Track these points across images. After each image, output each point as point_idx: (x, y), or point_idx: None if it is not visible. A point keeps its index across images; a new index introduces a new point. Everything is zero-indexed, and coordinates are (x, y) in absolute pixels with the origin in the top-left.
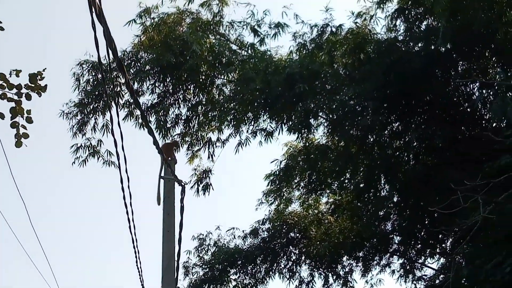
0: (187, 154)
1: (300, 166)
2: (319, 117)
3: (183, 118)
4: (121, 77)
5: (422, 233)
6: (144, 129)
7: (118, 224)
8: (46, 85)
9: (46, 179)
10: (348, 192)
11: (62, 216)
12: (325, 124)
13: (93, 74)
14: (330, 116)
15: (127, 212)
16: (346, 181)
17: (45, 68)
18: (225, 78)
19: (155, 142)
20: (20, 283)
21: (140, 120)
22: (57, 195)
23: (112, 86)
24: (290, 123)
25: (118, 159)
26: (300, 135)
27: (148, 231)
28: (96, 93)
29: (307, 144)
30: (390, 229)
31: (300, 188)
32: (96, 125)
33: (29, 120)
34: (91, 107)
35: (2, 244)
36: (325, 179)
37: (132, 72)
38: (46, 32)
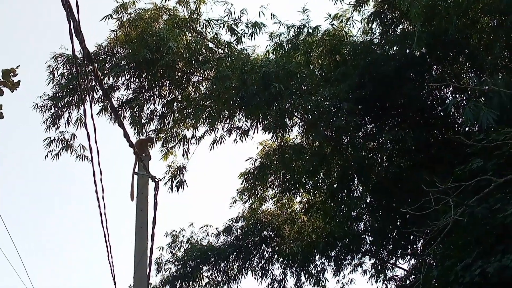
0: (161, 150)
1: (275, 165)
2: (295, 117)
3: (158, 114)
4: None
5: (394, 233)
6: (115, 122)
7: (91, 219)
8: (19, 81)
9: (18, 174)
10: (322, 192)
11: (33, 210)
12: (300, 124)
13: (68, 67)
14: (305, 116)
15: (99, 206)
16: (320, 181)
17: (19, 65)
18: (201, 75)
19: (126, 135)
20: None
21: (113, 114)
22: (29, 190)
23: (86, 80)
24: (266, 122)
25: (91, 153)
26: (275, 134)
27: (121, 227)
28: (71, 86)
29: (282, 144)
30: (362, 229)
31: (274, 187)
32: (70, 119)
33: (0, 116)
34: (65, 100)
35: None
36: (299, 178)
37: (108, 66)
38: (20, 26)
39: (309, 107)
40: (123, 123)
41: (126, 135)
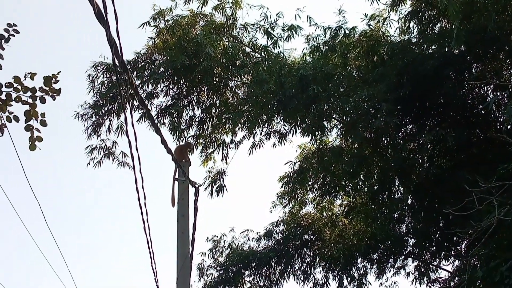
0: (201, 156)
1: (314, 168)
2: (333, 119)
3: (197, 120)
4: (135, 78)
5: (437, 235)
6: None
7: (133, 225)
8: (60, 88)
9: (61, 182)
10: (362, 194)
11: (77, 217)
12: (339, 126)
13: (108, 76)
14: (344, 118)
15: (141, 213)
16: (360, 183)
17: (60, 71)
18: (239, 80)
19: (163, 141)
20: (37, 284)
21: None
22: (72, 197)
23: (126, 88)
24: (304, 125)
25: (133, 160)
26: (313, 137)
27: (163, 233)
28: (111, 94)
29: (321, 146)
30: (404, 231)
31: (314, 190)
32: (110, 127)
33: (43, 123)
34: (106, 108)
35: (18, 245)
36: (339, 181)
37: (146, 74)
38: (61, 34)
39: (347, 108)
40: (160, 130)
41: (163, 141)
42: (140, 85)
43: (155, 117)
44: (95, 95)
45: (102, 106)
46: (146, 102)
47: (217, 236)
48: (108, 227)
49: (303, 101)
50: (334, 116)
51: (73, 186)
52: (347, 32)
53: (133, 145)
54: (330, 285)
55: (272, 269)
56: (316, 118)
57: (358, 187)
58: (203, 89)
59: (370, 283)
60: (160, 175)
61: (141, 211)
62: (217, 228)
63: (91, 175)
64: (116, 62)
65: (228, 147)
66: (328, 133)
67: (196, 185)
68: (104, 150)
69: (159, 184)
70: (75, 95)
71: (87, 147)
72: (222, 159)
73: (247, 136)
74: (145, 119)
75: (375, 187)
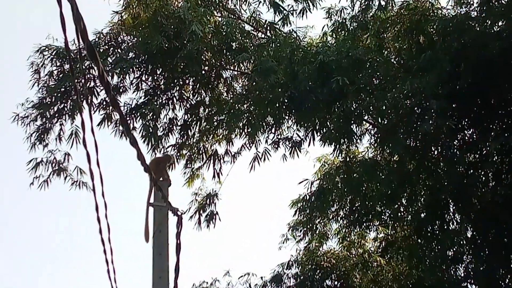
0: (184, 172)
1: (339, 188)
2: (364, 122)
3: (179, 123)
4: (94, 67)
5: (507, 279)
6: (126, 138)
7: (94, 267)
8: None
9: None
10: (405, 225)
11: (15, 255)
12: (372, 132)
13: (58, 64)
14: (379, 120)
15: (104, 251)
16: (402, 209)
17: None
18: (236, 69)
19: (140, 157)
20: None
21: (121, 126)
22: (9, 230)
23: (83, 80)
24: (325, 130)
25: (92, 179)
26: (338, 146)
27: (134, 276)
28: (62, 89)
29: (348, 159)
30: (462, 274)
31: (339, 219)
32: (61, 133)
33: None
34: (55, 108)
35: None
36: (373, 206)
37: (111, 61)
38: None
39: (384, 107)
40: (136, 140)
41: (141, 157)
42: (106, 77)
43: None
44: (40, 91)
45: (50, 106)
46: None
47: (207, 283)
48: (56, 270)
49: (323, 97)
50: (365, 117)
51: (9, 215)
52: (383, 3)
53: (93, 159)
54: None
55: None
56: (342, 121)
57: (399, 214)
58: (187, 81)
59: None
60: (130, 199)
61: (103, 248)
62: (207, 271)
63: (34, 199)
64: (70, 45)
65: (222, 161)
66: (358, 141)
67: (179, 213)
68: (53, 165)
69: (129, 211)
70: (14, 90)
71: (30, 161)
72: (214, 176)
73: (248, 145)
74: (108, 122)
75: (422, 215)
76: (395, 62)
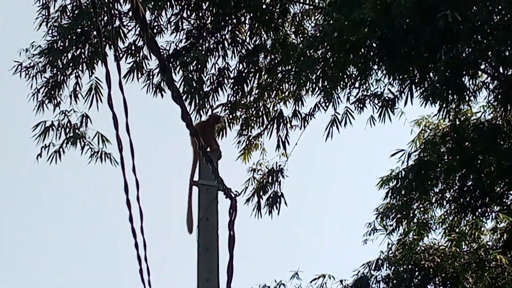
0: (239, 141)
1: (446, 162)
2: (481, 73)
3: (232, 76)
4: (122, 0)
5: None
6: (163, 94)
7: (121, 261)
8: None
9: None
10: None
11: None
12: (491, 86)
13: None
14: (502, 70)
15: (135, 245)
16: None
17: None
18: (308, 2)
19: (186, 116)
20: None
21: (157, 78)
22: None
23: (107, 18)
24: (427, 83)
25: (120, 150)
26: (445, 105)
27: (173, 277)
28: (78, 30)
29: (458, 123)
30: None
31: (445, 203)
32: (78, 89)
33: None
34: (70, 56)
35: None
36: (492, 186)
37: None
38: None
39: (508, 53)
40: (180, 93)
41: (186, 115)
42: (130, 13)
43: (156, 70)
44: (50, 32)
45: (63, 52)
46: (141, 43)
47: (269, 287)
48: (70, 268)
49: (425, 40)
50: (482, 67)
51: (10, 195)
52: None
53: (121, 121)
54: None
55: None
56: (450, 71)
57: None
58: (243, 19)
59: None
60: (168, 176)
61: (134, 241)
62: (269, 272)
63: (43, 174)
64: None
65: (289, 125)
66: (472, 98)
67: (233, 194)
68: (68, 130)
69: (167, 192)
70: (15, 31)
71: (37, 125)
72: (278, 146)
73: (323, 104)
74: (138, 74)
75: None
76: None
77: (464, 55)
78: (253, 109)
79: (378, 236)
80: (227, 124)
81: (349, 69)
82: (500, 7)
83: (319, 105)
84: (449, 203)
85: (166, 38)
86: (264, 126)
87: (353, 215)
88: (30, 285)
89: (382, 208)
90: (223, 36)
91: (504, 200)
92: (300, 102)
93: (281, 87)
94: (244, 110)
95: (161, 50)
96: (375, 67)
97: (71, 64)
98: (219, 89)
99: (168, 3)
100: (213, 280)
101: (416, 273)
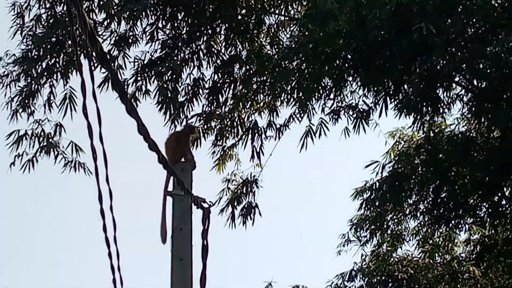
0: (213, 152)
1: (420, 174)
2: (455, 85)
3: (206, 86)
4: (96, 10)
5: None
6: (137, 103)
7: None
8: None
9: None
10: (508, 223)
11: None
12: (465, 99)
13: (48, 5)
14: (475, 83)
15: (109, 255)
16: (505, 202)
17: None
18: (283, 13)
19: (142, 129)
20: None
21: (132, 88)
22: None
23: (81, 26)
24: (401, 95)
25: (94, 160)
26: (419, 117)
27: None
28: (53, 39)
29: (433, 135)
30: None
31: (418, 214)
32: (52, 97)
33: None
34: (44, 65)
35: None
36: (465, 198)
37: (117, 1)
38: None
39: (482, 66)
40: (134, 106)
41: (142, 128)
42: (105, 22)
43: (131, 80)
44: (25, 41)
45: (38, 61)
46: (116, 52)
47: None
48: (44, 277)
49: (400, 52)
50: (457, 79)
51: None
52: None
53: (95, 130)
54: None
55: None
56: (424, 83)
57: (500, 209)
58: (218, 29)
59: None
60: (142, 186)
61: (108, 251)
62: (243, 283)
63: (16, 183)
64: None
65: (264, 136)
66: (446, 110)
67: (206, 205)
68: (41, 139)
69: (140, 202)
70: None
71: (11, 133)
72: (253, 157)
73: (298, 115)
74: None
75: None
76: (496, 4)
77: (438, 67)
78: (228, 120)
79: (352, 247)
80: (201, 134)
81: (324, 80)
82: (474, 20)
83: (294, 116)
84: (422, 215)
85: (141, 48)
86: (239, 136)
87: (327, 226)
88: None
89: (356, 219)
90: (198, 47)
91: (477, 212)
92: (275, 113)
93: (256, 98)
94: (219, 121)
95: (135, 59)
96: (350, 78)
97: (45, 73)
98: (194, 99)
99: (144, 13)
100: None
101: (390, 284)
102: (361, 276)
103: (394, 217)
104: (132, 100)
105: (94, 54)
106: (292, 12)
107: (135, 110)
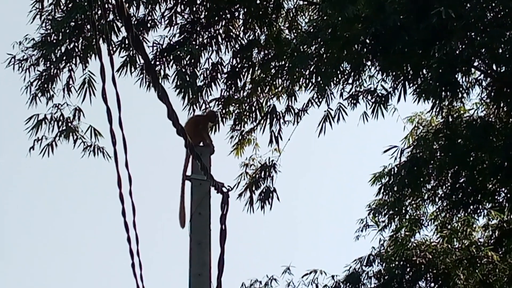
0: (232, 136)
1: (438, 159)
2: (474, 70)
3: (225, 70)
4: None
5: None
6: (154, 89)
7: (113, 256)
8: None
9: None
10: None
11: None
12: (484, 83)
13: None
14: (495, 67)
15: (128, 239)
16: None
17: None
18: None
19: (172, 115)
20: None
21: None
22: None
23: (101, 10)
24: (420, 80)
25: (114, 144)
26: (438, 102)
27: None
28: (72, 23)
29: (451, 120)
30: None
31: (437, 199)
32: (71, 82)
33: None
34: (63, 49)
35: None
36: (484, 183)
37: None
38: None
39: (501, 50)
40: (166, 92)
41: (172, 114)
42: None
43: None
44: (44, 25)
45: (57, 45)
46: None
47: (261, 282)
48: (63, 263)
49: (419, 37)
50: (476, 64)
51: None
52: None
53: (115, 115)
54: None
55: None
56: (443, 68)
57: None
58: (236, 14)
59: None
60: (161, 170)
61: (127, 235)
62: (260, 267)
63: (35, 167)
64: None
65: (282, 121)
66: (465, 95)
67: (225, 189)
68: (60, 123)
69: (159, 186)
70: (8, 24)
71: (30, 118)
72: (271, 142)
73: (316, 100)
74: (132, 68)
75: None
76: None
77: (457, 52)
78: (246, 104)
79: (370, 232)
80: (220, 118)
81: (342, 65)
82: (493, 4)
83: (312, 100)
84: (441, 200)
85: (160, 32)
86: (257, 121)
87: (345, 211)
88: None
89: (374, 204)
90: (217, 31)
91: (496, 197)
92: (293, 98)
93: (274, 83)
94: (237, 105)
95: (153, 43)
96: (369, 63)
97: (64, 58)
98: (212, 84)
99: None
100: (205, 275)
101: (408, 269)
102: (379, 261)
103: (413, 202)
104: (150, 84)
105: (129, 39)
106: None
107: (166, 95)
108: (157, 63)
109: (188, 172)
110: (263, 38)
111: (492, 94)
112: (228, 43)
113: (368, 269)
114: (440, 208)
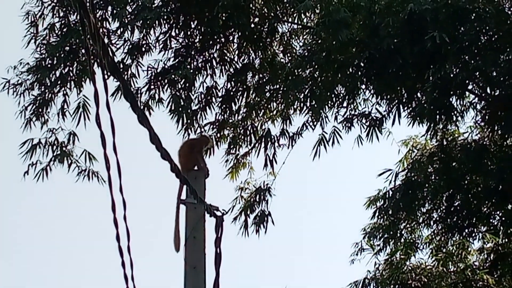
0: (227, 160)
1: (433, 182)
2: (468, 94)
3: (219, 94)
4: (110, 19)
5: None
6: (151, 112)
7: (108, 280)
8: None
9: None
10: None
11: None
12: (479, 107)
13: (62, 14)
14: (489, 91)
15: (122, 264)
16: None
17: None
18: (296, 22)
19: (155, 140)
20: None
21: (145, 96)
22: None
23: (95, 35)
24: (414, 103)
25: (108, 169)
26: (432, 125)
27: None
28: (67, 48)
29: (446, 143)
30: None
31: (432, 223)
32: (66, 106)
33: None
34: (57, 73)
35: None
36: (478, 206)
37: (130, 11)
38: None
39: (495, 73)
40: (146, 115)
41: (154, 137)
42: (119, 31)
43: (144, 88)
44: (38, 50)
45: (51, 69)
46: (130, 61)
47: None
48: None
49: (413, 61)
50: (470, 87)
51: None
52: None
53: (109, 140)
54: None
55: None
56: (438, 91)
57: None
58: (231, 38)
59: None
60: (156, 195)
61: (121, 260)
62: None
63: (29, 192)
64: None
65: (277, 144)
66: (459, 118)
67: (219, 213)
68: (55, 148)
69: (154, 211)
70: (3, 49)
71: (24, 142)
72: (266, 165)
73: (311, 124)
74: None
75: None
76: (509, 12)
77: (451, 75)
78: (241, 128)
79: (365, 256)
80: (215, 142)
81: (337, 88)
82: (487, 28)
83: (307, 124)
84: (436, 223)
85: (154, 56)
86: (252, 144)
87: (340, 235)
88: None
89: (369, 227)
90: (212, 55)
91: (491, 220)
92: (288, 121)
93: (269, 106)
94: (232, 129)
95: (148, 67)
96: (363, 86)
97: (59, 82)
98: (207, 107)
99: (157, 22)
100: None
101: None
102: (374, 285)
103: (408, 225)
104: (146, 108)
105: (105, 64)
106: (305, 20)
107: (147, 119)
108: (152, 87)
109: (183, 196)
110: (258, 62)
111: (487, 117)
112: (223, 67)
113: None
114: (435, 231)
